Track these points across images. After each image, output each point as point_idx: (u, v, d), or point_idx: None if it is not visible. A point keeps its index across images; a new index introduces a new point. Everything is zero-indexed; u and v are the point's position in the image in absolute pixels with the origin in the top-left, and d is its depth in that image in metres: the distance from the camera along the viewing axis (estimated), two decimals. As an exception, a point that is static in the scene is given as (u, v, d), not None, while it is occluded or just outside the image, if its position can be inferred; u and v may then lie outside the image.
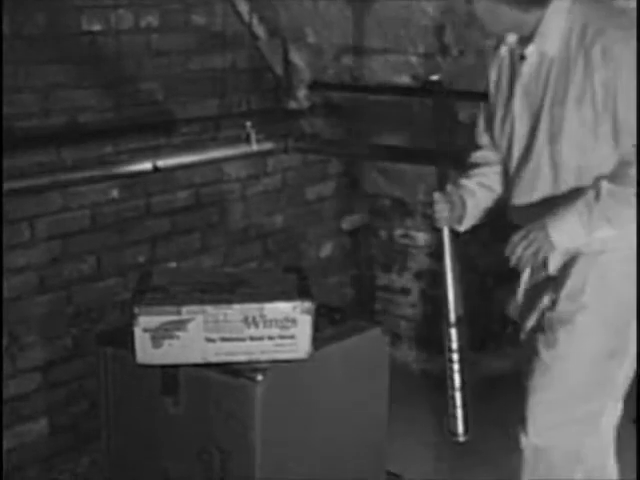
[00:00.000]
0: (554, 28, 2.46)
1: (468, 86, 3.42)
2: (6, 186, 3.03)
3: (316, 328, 2.56)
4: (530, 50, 2.51)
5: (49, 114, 3.24)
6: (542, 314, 2.62)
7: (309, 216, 4.25)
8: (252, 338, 2.52)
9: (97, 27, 3.34)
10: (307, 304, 2.53)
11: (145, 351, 2.51)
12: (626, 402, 2.75)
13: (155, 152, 3.52)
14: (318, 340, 2.59)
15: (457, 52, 3.62)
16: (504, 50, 2.62)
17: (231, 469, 2.57)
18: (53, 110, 3.25)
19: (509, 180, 2.66)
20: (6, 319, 3.18)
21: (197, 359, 2.54)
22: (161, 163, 3.48)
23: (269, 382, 2.52)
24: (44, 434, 3.37)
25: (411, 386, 3.80)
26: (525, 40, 2.52)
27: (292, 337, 2.53)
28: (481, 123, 2.76)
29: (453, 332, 2.64)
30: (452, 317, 2.65)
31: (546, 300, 2.61)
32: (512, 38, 2.56)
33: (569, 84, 2.44)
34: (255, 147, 3.74)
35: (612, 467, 2.72)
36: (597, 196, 2.41)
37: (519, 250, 2.48)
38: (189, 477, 2.65)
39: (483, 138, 2.76)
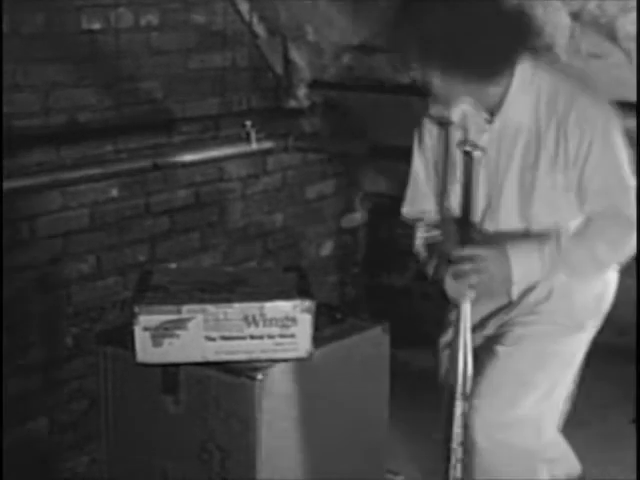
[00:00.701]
0: (521, 98, 2.47)
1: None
2: (6, 185, 3.03)
3: (316, 327, 2.56)
4: (497, 120, 2.50)
5: (49, 113, 3.24)
6: (501, 325, 2.65)
7: (309, 215, 4.25)
8: (252, 337, 2.52)
9: (97, 26, 3.34)
10: (307, 303, 2.53)
11: (145, 350, 2.51)
12: (626, 402, 2.76)
13: (155, 151, 3.52)
14: (318, 339, 2.59)
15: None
16: (456, 115, 2.56)
17: (231, 468, 2.57)
18: (53, 109, 3.25)
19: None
20: (6, 318, 3.18)
21: (197, 358, 2.53)
22: (161, 162, 3.48)
23: (269, 381, 2.51)
24: (44, 433, 3.37)
25: (411, 386, 3.80)
26: (491, 110, 2.50)
27: (292, 336, 2.53)
28: (421, 188, 2.73)
29: (459, 405, 2.57)
30: (460, 391, 2.57)
31: (508, 311, 2.64)
32: (464, 105, 2.53)
33: (541, 150, 2.47)
34: (255, 146, 3.74)
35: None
36: (558, 251, 2.46)
37: (476, 266, 2.47)
38: (189, 476, 2.65)
39: (427, 203, 2.72)
